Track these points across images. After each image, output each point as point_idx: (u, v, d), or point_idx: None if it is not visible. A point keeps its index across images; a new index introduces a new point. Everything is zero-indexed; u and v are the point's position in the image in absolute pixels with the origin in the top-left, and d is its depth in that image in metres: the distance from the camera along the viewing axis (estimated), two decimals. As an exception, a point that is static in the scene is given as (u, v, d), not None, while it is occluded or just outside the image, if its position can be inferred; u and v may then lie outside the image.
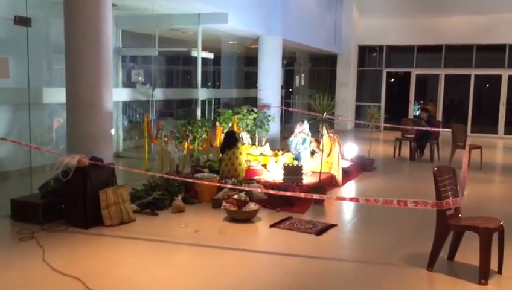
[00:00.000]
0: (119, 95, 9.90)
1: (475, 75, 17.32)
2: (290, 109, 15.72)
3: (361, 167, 9.48)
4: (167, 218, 5.95)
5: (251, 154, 8.32)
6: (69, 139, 6.22)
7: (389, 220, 6.12)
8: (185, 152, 8.14)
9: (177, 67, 17.14)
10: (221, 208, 5.96)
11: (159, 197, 6.32)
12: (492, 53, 17.41)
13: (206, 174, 7.21)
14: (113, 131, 7.49)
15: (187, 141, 8.18)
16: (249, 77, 16.78)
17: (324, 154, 7.54)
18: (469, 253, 4.61)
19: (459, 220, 4.43)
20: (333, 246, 5.25)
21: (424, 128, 10.67)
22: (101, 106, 6.15)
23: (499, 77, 17.02)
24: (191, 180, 5.91)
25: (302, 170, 7.21)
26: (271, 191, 5.31)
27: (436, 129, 10.80)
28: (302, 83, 18.04)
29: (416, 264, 4.55)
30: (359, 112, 18.72)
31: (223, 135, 7.93)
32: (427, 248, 4.50)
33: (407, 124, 11.62)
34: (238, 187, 5.95)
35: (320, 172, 6.99)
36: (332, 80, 18.77)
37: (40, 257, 4.51)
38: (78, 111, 6.10)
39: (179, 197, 6.28)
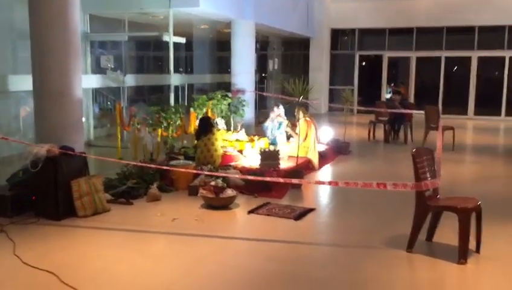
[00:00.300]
0: (89, 81, 9.62)
1: (445, 57, 17.54)
2: (265, 94, 15.63)
3: (337, 151, 9.48)
4: (142, 207, 5.81)
5: (227, 140, 8.22)
6: (38, 129, 6.01)
7: (368, 203, 6.11)
8: (159, 139, 7.97)
9: (148, 52, 16.78)
10: (198, 195, 5.86)
11: (134, 186, 6.16)
12: (462, 35, 17.63)
13: (181, 161, 7.07)
14: (84, 119, 7.28)
15: (161, 127, 8.01)
16: (222, 62, 16.56)
17: (300, 139, 7.50)
18: (447, 233, 4.64)
19: (438, 201, 4.44)
20: (312, 231, 5.22)
21: (398, 111, 10.73)
22: (70, 94, 5.95)
23: (469, 58, 17.27)
24: (167, 168, 5.77)
25: (279, 154, 7.15)
26: (249, 177, 5.23)
27: (409, 111, 10.88)
28: (276, 68, 17.94)
29: (395, 246, 4.55)
30: (333, 96, 18.76)
31: (198, 121, 7.78)
32: (406, 229, 4.51)
33: (380, 106, 11.68)
34: (215, 173, 5.84)
35: (297, 156, 6.94)
36: (306, 64, 18.72)
37: (10, 251, 4.33)
38: (46, 99, 5.89)
39: (154, 186, 6.14)
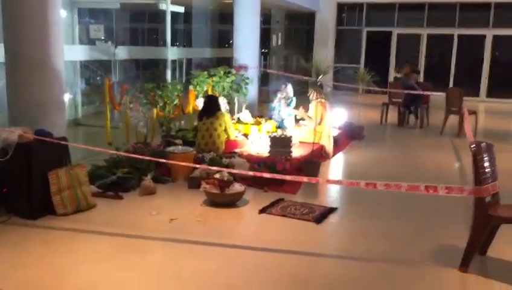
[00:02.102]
0: (75, 53, 8.62)
1: (458, 35, 16.56)
2: (269, 71, 14.59)
3: (351, 135, 8.60)
4: (134, 202, 4.95)
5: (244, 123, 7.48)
6: (11, 108, 5.08)
7: (400, 201, 5.11)
8: (154, 120, 7.07)
9: (142, 24, 15.66)
10: (201, 189, 4.99)
11: (125, 176, 5.28)
12: (476, 12, 16.60)
13: (180, 147, 6.18)
14: (67, 96, 6.34)
15: (156, 107, 7.09)
16: (223, 36, 15.50)
17: (315, 122, 6.62)
18: (503, 246, 3.83)
19: (500, 210, 3.59)
20: (338, 238, 4.37)
21: (417, 92, 9.82)
22: (49, 66, 5.02)
23: (483, 37, 16.30)
24: (163, 161, 4.88)
25: (291, 141, 6.26)
26: (265, 175, 4.34)
27: (428, 93, 9.98)
28: (279, 43, 16.87)
29: (443, 262, 3.71)
30: (337, 74, 17.76)
31: (204, 99, 6.86)
32: (454, 239, 3.72)
33: (396, 87, 10.75)
34: (221, 169, 4.95)
35: (313, 142, 6.07)
36: (310, 39, 17.67)
37: (-32, 263, 3.48)
38: (21, 72, 4.97)
39: (149, 177, 5.26)
